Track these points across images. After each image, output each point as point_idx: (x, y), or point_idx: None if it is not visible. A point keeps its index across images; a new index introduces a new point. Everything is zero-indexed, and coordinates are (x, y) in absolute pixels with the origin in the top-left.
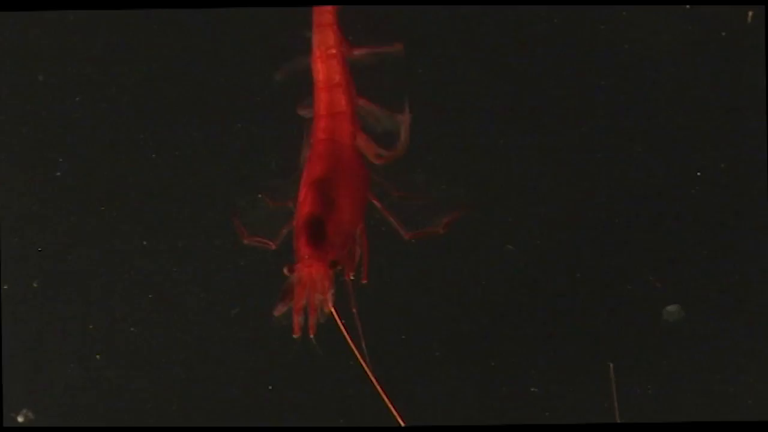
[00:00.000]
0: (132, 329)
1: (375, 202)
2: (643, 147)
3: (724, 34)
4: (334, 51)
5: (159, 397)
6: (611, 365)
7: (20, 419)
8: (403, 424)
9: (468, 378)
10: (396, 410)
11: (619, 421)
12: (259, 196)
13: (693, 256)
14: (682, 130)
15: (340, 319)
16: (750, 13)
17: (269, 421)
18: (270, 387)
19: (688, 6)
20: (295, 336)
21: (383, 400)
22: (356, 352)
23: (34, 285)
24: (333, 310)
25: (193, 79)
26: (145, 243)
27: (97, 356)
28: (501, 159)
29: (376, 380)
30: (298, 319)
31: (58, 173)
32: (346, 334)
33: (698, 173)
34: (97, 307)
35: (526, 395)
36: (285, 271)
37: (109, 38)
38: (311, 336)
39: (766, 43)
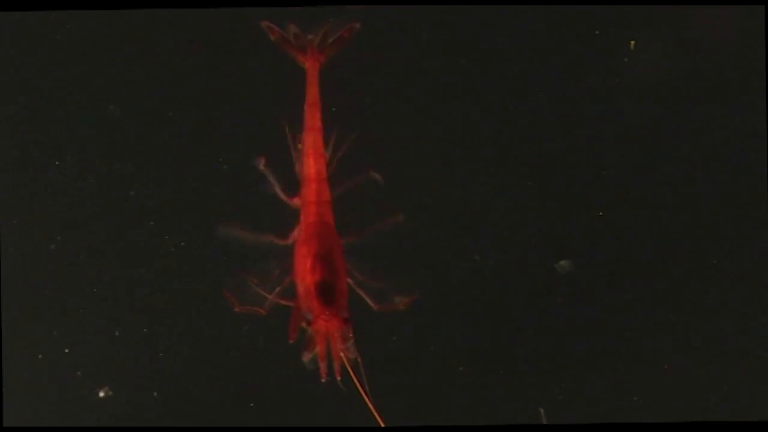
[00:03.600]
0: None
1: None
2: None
3: (723, 34)
4: (322, 151)
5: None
6: (541, 410)
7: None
8: None
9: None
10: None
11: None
12: (247, 280)
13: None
14: (682, 130)
15: (352, 370)
16: (632, 42)
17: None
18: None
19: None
20: (322, 380)
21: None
22: (365, 396)
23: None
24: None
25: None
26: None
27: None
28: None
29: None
30: (323, 366)
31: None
32: (357, 383)
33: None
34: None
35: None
36: (303, 324)
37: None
38: (338, 379)
39: (767, 43)
